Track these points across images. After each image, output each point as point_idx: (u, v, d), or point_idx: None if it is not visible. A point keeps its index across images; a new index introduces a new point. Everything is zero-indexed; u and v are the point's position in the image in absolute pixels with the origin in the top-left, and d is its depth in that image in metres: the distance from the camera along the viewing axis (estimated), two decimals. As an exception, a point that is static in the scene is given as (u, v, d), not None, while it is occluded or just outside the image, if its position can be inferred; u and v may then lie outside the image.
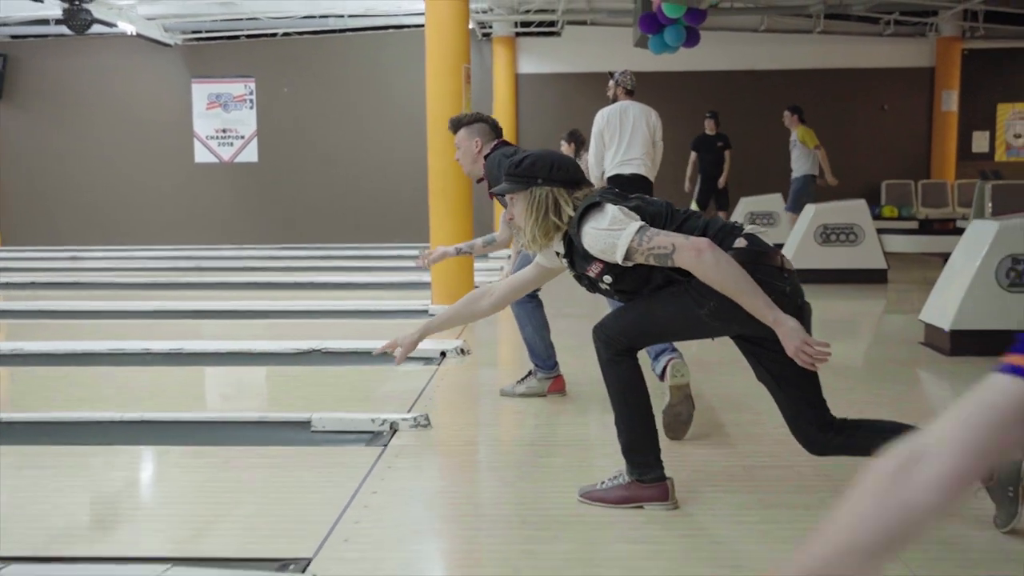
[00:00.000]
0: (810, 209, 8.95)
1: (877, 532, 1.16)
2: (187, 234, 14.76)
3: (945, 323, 5.35)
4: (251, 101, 14.94)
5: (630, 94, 6.53)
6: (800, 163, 10.78)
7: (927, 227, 12.86)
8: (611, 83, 6.63)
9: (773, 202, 11.66)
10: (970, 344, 5.20)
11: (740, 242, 2.72)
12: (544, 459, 3.53)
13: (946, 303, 5.44)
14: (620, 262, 2.73)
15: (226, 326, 6.90)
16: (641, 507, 2.89)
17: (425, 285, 7.85)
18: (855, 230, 8.70)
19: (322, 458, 3.55)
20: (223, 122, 15.01)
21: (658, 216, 2.81)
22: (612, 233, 2.71)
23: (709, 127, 11.75)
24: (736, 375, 4.61)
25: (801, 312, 2.70)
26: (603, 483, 2.99)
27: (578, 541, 2.69)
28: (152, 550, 2.70)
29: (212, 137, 15.05)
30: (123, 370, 5.33)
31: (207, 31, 14.73)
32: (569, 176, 2.90)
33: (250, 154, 15.03)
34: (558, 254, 3.00)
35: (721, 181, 11.69)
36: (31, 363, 5.56)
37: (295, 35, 14.74)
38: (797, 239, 8.78)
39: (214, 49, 14.94)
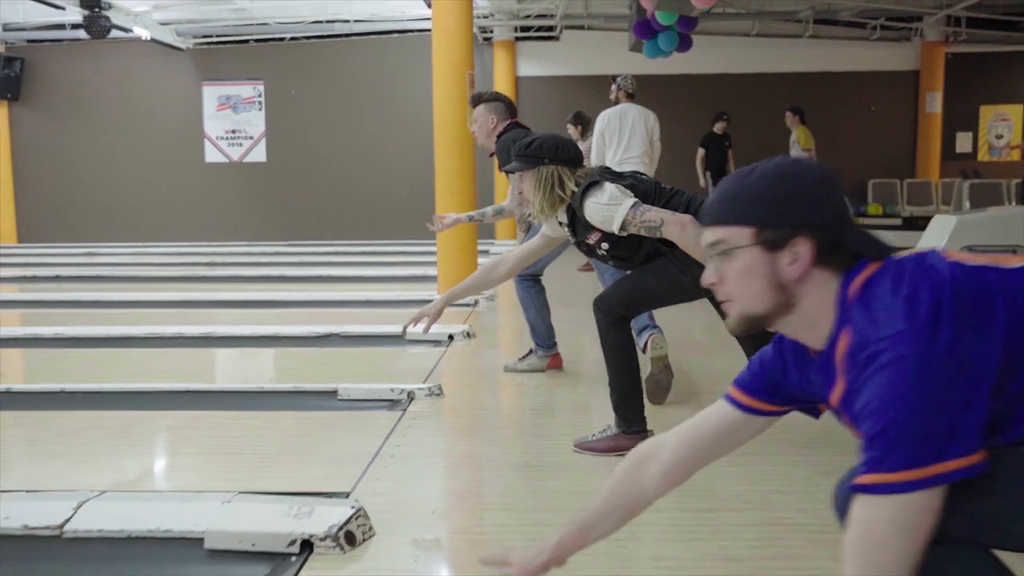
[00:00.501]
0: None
1: (615, 506, 1.76)
2: (198, 231, 15.27)
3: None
4: (260, 103, 15.44)
5: (631, 97, 7.05)
6: (799, 162, 11.27)
7: (911, 224, 13.34)
8: (613, 87, 7.15)
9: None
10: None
11: None
12: (543, 420, 4.06)
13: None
14: (616, 232, 3.25)
15: (245, 315, 7.33)
16: (625, 454, 3.40)
17: (431, 279, 8.34)
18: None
19: (349, 420, 4.05)
20: (233, 123, 15.51)
21: (648, 193, 3.35)
22: (610, 207, 3.24)
23: (719, 128, 12.22)
24: (717, 355, 5.13)
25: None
26: (594, 435, 3.50)
27: (571, 480, 3.19)
28: (214, 488, 3.20)
29: (222, 137, 15.55)
30: (159, 351, 5.78)
31: (218, 35, 15.20)
32: (571, 156, 3.43)
33: (259, 154, 15.53)
34: (561, 224, 3.52)
35: None
36: (72, 345, 6.01)
37: (303, 39, 15.21)
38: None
39: (224, 53, 15.43)
